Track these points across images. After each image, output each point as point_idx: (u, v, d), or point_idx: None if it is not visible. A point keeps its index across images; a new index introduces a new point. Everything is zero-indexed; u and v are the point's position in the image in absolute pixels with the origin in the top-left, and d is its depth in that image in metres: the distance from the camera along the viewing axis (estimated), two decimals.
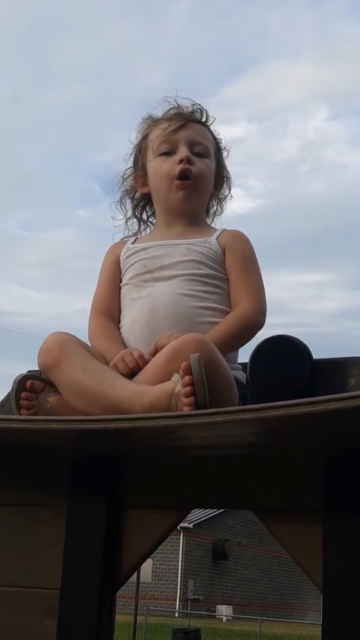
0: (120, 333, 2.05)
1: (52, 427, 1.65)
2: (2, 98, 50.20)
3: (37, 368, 1.92)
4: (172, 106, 2.20)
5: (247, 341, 2.02)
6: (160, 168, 2.15)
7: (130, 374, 1.86)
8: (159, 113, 2.22)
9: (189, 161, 2.11)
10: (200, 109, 2.20)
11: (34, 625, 1.81)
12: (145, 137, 2.21)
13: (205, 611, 22.49)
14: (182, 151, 2.12)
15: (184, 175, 2.11)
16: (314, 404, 1.40)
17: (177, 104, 2.20)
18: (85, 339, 2.05)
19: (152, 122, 2.21)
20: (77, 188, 52.56)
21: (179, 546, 23.71)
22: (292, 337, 2.04)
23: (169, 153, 2.14)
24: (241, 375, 2.00)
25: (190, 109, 2.19)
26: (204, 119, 2.21)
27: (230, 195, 2.29)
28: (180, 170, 2.10)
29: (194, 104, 2.21)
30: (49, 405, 1.85)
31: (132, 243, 2.19)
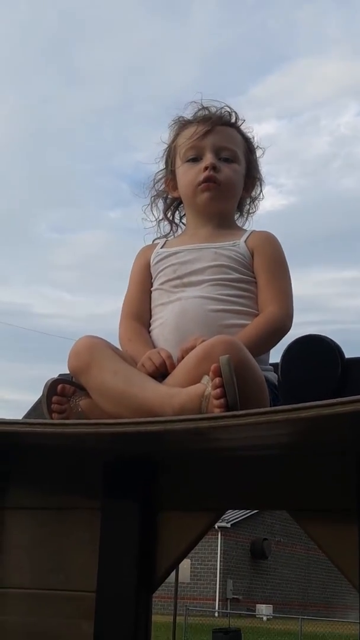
0: (150, 337, 2.06)
1: (84, 430, 1.65)
2: (32, 100, 50.59)
3: (68, 372, 1.94)
4: (200, 107, 2.19)
5: (274, 345, 2.02)
6: (186, 175, 2.15)
7: (158, 374, 1.86)
8: (188, 115, 2.21)
9: (214, 168, 2.11)
10: (229, 111, 2.19)
11: (71, 628, 1.82)
12: (173, 141, 2.21)
13: (245, 611, 22.45)
14: (208, 158, 2.12)
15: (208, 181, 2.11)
16: (345, 403, 1.39)
17: (205, 107, 2.19)
18: (117, 340, 2.06)
19: (180, 125, 2.20)
20: (107, 189, 52.78)
21: (217, 546, 23.69)
22: (323, 336, 2.03)
23: (195, 159, 2.14)
24: (272, 376, 1.99)
25: (218, 112, 2.18)
26: (232, 121, 2.19)
27: (262, 196, 2.28)
28: (205, 177, 2.11)
29: (223, 107, 2.19)
30: (80, 409, 1.86)
31: (162, 247, 2.19)
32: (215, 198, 2.13)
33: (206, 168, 2.11)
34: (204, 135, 2.13)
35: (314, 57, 50.95)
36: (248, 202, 2.28)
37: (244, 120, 2.21)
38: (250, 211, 2.29)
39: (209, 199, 2.13)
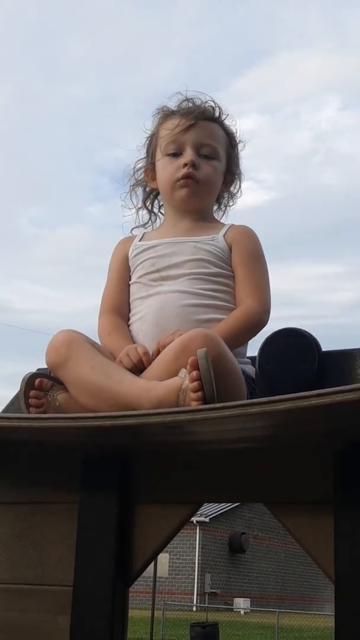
0: (129, 330, 2.06)
1: (61, 424, 1.65)
2: (13, 95, 50.18)
3: (46, 366, 1.93)
4: (184, 99, 2.17)
5: (250, 339, 2.03)
6: (165, 169, 2.14)
7: (136, 370, 1.86)
8: (172, 106, 2.18)
9: (193, 165, 2.09)
10: (213, 105, 2.17)
11: (48, 622, 1.82)
12: (156, 132, 2.19)
13: (222, 605, 22.52)
14: (188, 155, 2.10)
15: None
16: (321, 396, 1.39)
17: (189, 98, 2.16)
18: (96, 336, 2.06)
19: (164, 115, 2.18)
20: (88, 184, 52.58)
21: (196, 540, 23.73)
22: (300, 329, 2.03)
23: (175, 154, 2.12)
24: (250, 370, 1.99)
25: (202, 106, 2.16)
26: (216, 115, 2.17)
27: (240, 192, 2.27)
28: (183, 174, 2.09)
29: (207, 100, 2.17)
30: (57, 403, 1.85)
31: (140, 240, 2.18)
32: (193, 195, 2.12)
33: (185, 165, 2.10)
34: (185, 129, 2.11)
35: (295, 52, 50.93)
36: (226, 197, 2.27)
37: (228, 115, 2.18)
38: (229, 205, 2.29)
39: (186, 196, 2.12)
